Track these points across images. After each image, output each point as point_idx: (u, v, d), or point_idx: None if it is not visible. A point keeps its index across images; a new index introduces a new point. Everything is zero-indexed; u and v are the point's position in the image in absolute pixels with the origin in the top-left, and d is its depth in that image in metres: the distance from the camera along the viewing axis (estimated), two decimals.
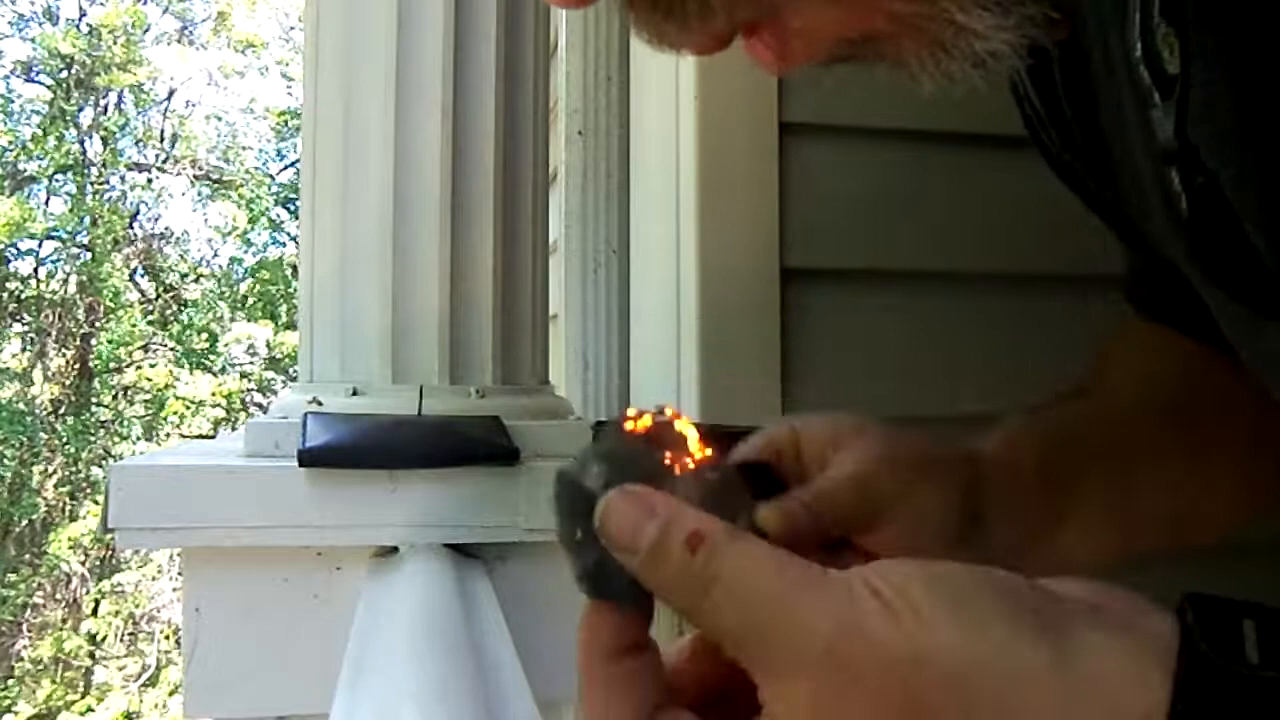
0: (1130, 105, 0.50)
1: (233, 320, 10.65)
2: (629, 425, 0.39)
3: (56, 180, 10.59)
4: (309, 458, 0.79)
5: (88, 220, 10.28)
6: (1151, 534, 0.63)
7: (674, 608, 0.36)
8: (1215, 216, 0.46)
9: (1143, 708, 0.31)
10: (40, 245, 10.44)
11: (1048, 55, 0.56)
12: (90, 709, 8.74)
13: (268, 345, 10.52)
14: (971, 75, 0.45)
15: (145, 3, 10.78)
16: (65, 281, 10.43)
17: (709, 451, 0.39)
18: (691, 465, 0.39)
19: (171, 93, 11.18)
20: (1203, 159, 0.45)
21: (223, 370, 10.40)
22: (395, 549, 0.83)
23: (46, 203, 10.52)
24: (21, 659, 9.12)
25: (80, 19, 10.66)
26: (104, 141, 10.65)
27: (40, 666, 9.05)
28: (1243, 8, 0.41)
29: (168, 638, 8.96)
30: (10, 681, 8.96)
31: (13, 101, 10.56)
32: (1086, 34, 0.53)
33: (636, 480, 0.37)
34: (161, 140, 11.13)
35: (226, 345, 10.58)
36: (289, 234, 10.94)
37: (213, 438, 7.20)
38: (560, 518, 0.38)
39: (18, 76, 10.55)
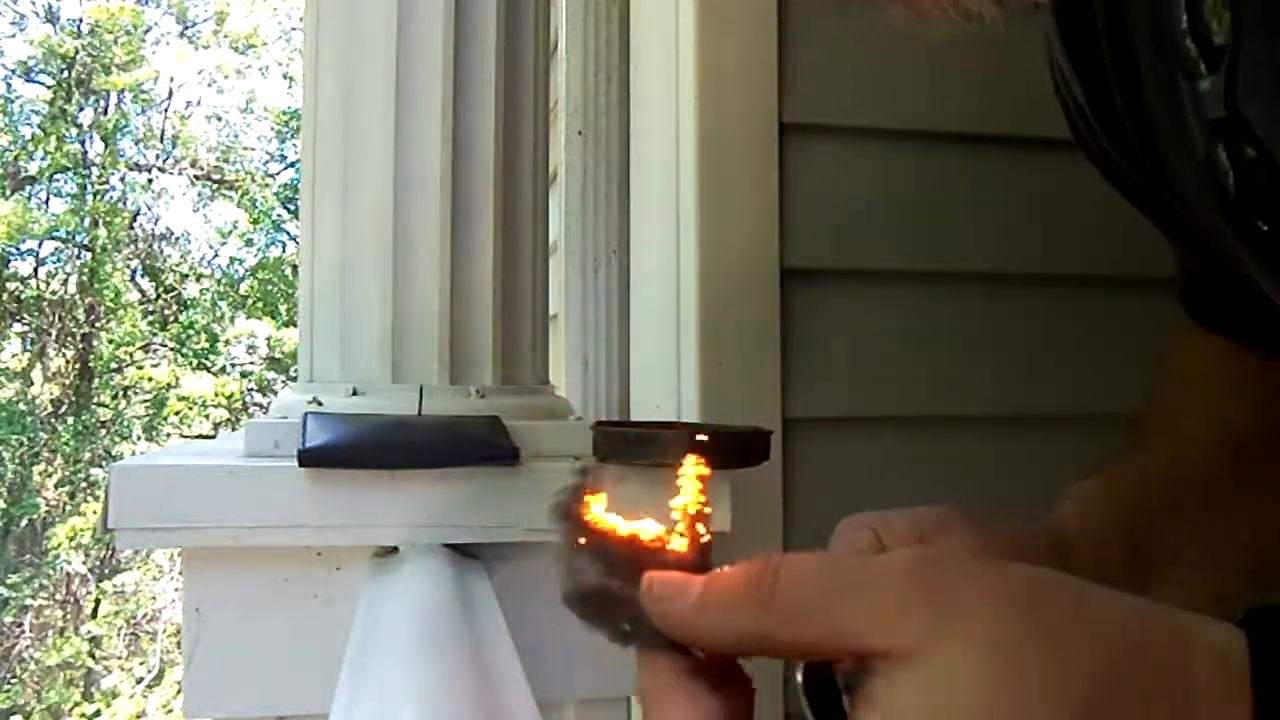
0: (1178, 78, 0.48)
1: (233, 320, 10.66)
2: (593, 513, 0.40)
3: (57, 180, 10.59)
4: (309, 458, 0.79)
5: (88, 220, 10.28)
6: (1242, 584, 0.61)
7: (735, 632, 0.34)
8: (1264, 193, 0.45)
9: (1215, 639, 0.32)
10: (40, 245, 10.44)
11: (1096, 38, 0.55)
12: (99, 712, 8.74)
13: (268, 342, 10.52)
14: (989, 11, 0.42)
15: (145, 3, 10.78)
16: (65, 282, 10.43)
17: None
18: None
19: (172, 93, 11.18)
20: (1255, 131, 0.44)
21: (223, 370, 10.40)
22: (395, 549, 0.83)
23: (47, 203, 10.52)
24: (24, 660, 9.12)
25: (80, 19, 10.66)
26: (104, 142, 10.65)
27: (43, 668, 9.05)
28: None
29: (171, 637, 8.96)
30: (14, 682, 8.96)
31: (13, 101, 10.56)
32: (1130, 10, 0.52)
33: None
34: (162, 140, 11.13)
35: (227, 344, 10.58)
36: (289, 234, 10.94)
37: (213, 438, 7.20)
38: (599, 623, 0.39)
39: (18, 76, 10.56)
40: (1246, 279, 0.52)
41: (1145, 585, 0.57)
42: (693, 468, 0.39)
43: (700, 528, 0.39)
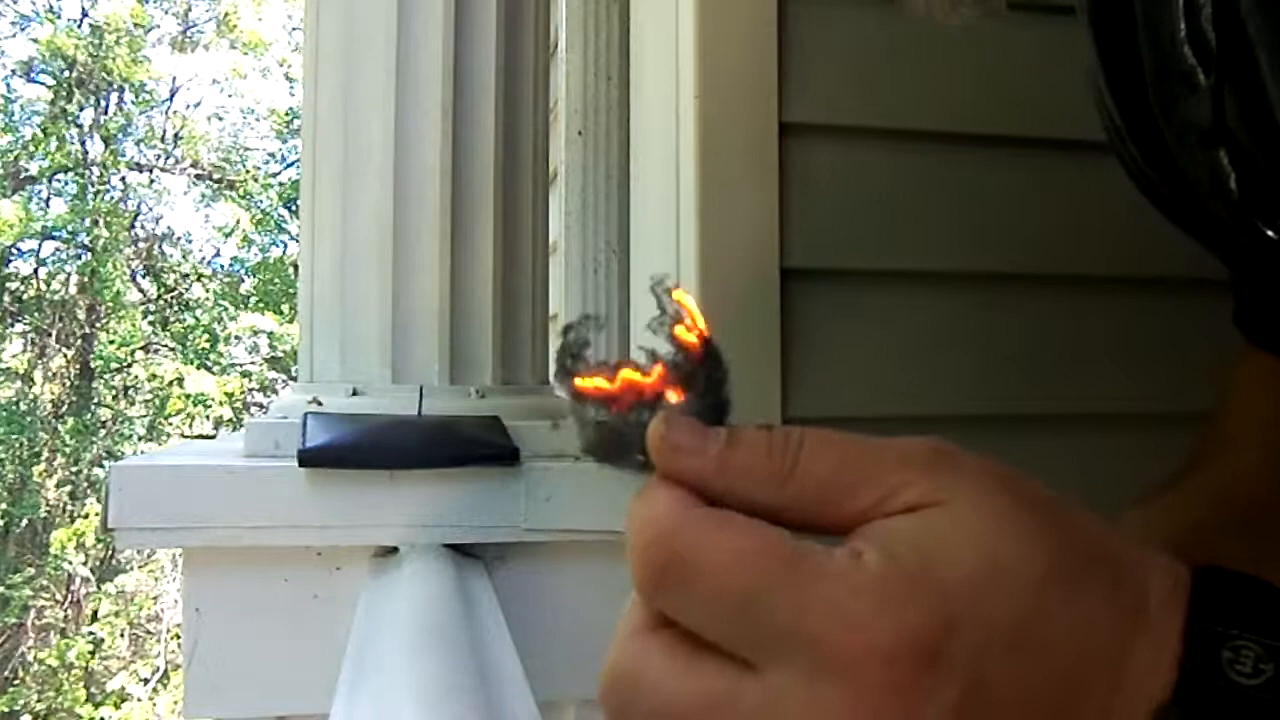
0: (1179, 88, 0.50)
1: (234, 320, 10.66)
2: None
3: (58, 180, 10.60)
4: (309, 458, 0.79)
5: (89, 220, 10.29)
6: None
7: (750, 501, 0.35)
8: (1263, 197, 0.46)
9: (1168, 560, 0.35)
10: (41, 245, 10.45)
11: (1136, 55, 0.55)
12: (105, 715, 8.75)
13: (270, 341, 10.52)
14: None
15: (148, 3, 10.79)
16: (66, 282, 10.43)
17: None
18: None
19: (173, 93, 11.19)
20: (1238, 139, 0.45)
21: (224, 370, 10.41)
22: (395, 549, 0.83)
23: (47, 203, 10.53)
24: (27, 661, 9.12)
25: (82, 19, 10.67)
26: (105, 142, 10.65)
27: (46, 669, 9.05)
28: None
29: (175, 638, 8.95)
30: (16, 684, 8.96)
31: (13, 101, 10.57)
32: (1154, 18, 0.53)
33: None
34: (163, 140, 11.14)
35: (228, 344, 10.58)
36: (291, 234, 10.94)
37: (213, 438, 7.20)
38: (617, 462, 0.38)
39: (19, 76, 10.56)
40: None
41: None
42: (684, 299, 0.39)
43: (695, 346, 0.39)
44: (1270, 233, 0.47)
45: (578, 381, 0.38)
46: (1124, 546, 0.35)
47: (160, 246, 11.11)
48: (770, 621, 0.32)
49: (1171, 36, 0.48)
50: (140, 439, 10.09)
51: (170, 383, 10.13)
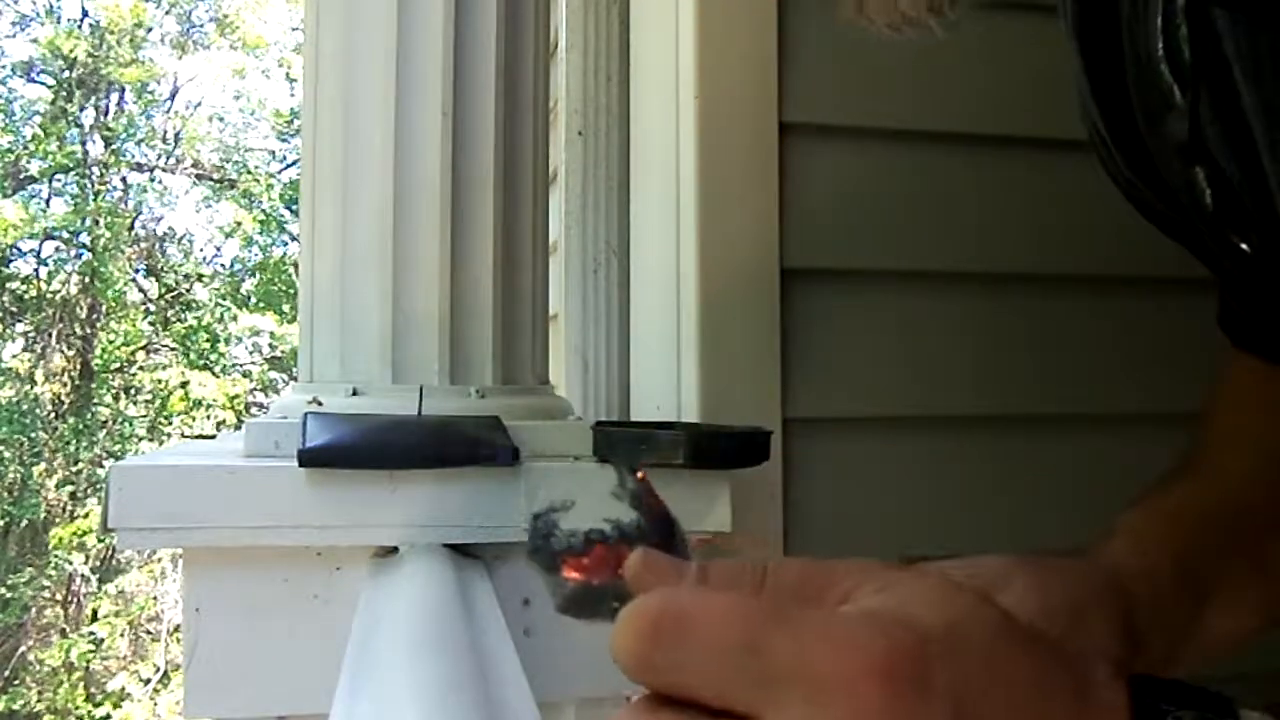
0: (1157, 104, 0.50)
1: (235, 320, 10.67)
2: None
3: (58, 180, 10.60)
4: (309, 458, 0.79)
5: (89, 220, 10.29)
6: None
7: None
8: (1235, 213, 0.47)
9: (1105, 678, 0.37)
10: (41, 245, 10.45)
11: (1120, 65, 0.56)
12: (107, 717, 8.74)
13: (270, 341, 10.52)
14: (926, 19, 0.47)
15: (148, 3, 10.78)
16: (66, 282, 10.43)
17: None
18: None
19: (174, 93, 11.19)
20: (1214, 156, 0.45)
21: (225, 370, 10.41)
22: (395, 549, 0.83)
23: (48, 203, 10.52)
24: (27, 661, 9.12)
25: (82, 19, 10.67)
26: (106, 142, 10.65)
27: (46, 669, 9.05)
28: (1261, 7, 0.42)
29: (175, 638, 8.95)
30: (17, 684, 8.96)
31: (13, 101, 10.57)
32: (1136, 31, 0.53)
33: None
34: (164, 140, 11.14)
35: (229, 344, 10.58)
36: (291, 234, 10.94)
37: (213, 438, 7.19)
38: (594, 616, 0.41)
39: (19, 76, 10.56)
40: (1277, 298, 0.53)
41: (1199, 613, 0.59)
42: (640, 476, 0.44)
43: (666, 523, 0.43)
44: (1244, 246, 0.48)
45: (556, 560, 0.42)
46: (1059, 640, 0.39)
47: (161, 246, 11.11)
48: (768, 662, 0.33)
49: (1149, 54, 0.49)
50: (140, 439, 10.08)
51: (170, 383, 10.13)
